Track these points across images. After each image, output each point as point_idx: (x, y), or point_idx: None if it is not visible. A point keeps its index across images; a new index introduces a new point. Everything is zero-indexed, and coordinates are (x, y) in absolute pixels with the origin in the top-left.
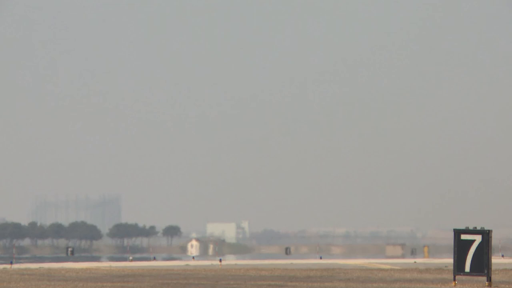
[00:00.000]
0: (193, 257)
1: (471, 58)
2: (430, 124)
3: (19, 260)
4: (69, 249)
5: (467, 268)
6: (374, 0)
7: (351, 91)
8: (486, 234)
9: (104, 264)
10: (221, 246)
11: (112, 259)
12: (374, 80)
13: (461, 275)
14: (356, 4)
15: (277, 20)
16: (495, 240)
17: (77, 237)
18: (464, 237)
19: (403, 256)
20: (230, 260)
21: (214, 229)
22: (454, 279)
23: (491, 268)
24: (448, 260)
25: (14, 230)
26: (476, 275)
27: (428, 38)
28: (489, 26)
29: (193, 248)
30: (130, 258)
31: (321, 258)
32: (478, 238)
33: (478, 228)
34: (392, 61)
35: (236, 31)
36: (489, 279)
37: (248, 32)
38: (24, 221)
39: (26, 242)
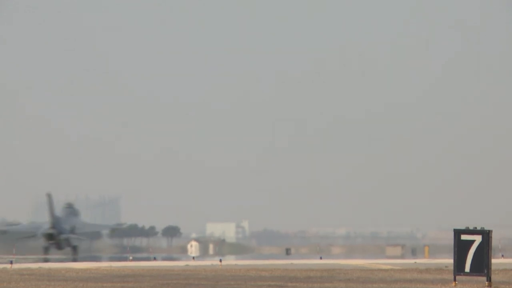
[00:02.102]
0: (193, 257)
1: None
2: (429, 124)
3: (19, 260)
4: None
5: (467, 268)
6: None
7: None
8: (486, 234)
9: (104, 264)
10: (221, 246)
11: (112, 259)
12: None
13: (461, 275)
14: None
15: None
16: (495, 240)
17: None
18: (464, 237)
19: (403, 257)
20: (230, 260)
21: (214, 229)
22: (454, 279)
23: (491, 268)
24: (448, 260)
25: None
26: (476, 275)
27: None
28: None
29: (193, 248)
30: (130, 258)
31: (321, 258)
32: (478, 238)
33: (478, 228)
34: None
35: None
36: (489, 279)
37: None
38: (24, 221)
39: (26, 242)
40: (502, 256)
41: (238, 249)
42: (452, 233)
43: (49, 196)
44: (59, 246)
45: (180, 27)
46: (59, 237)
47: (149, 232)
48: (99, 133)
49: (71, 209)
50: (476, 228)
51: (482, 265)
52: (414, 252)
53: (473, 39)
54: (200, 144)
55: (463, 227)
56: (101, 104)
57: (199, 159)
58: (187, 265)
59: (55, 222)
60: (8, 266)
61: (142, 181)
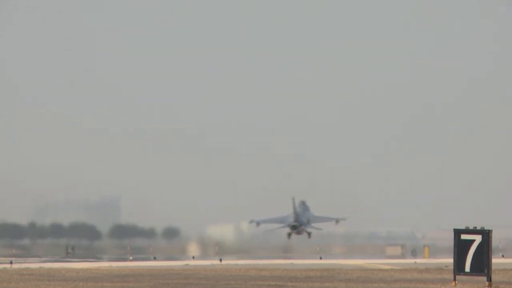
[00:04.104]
0: (193, 257)
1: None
2: (428, 124)
3: (19, 260)
4: (70, 247)
5: (467, 268)
6: None
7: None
8: (486, 234)
9: (104, 264)
10: (221, 247)
11: (112, 259)
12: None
13: (461, 275)
14: None
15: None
16: (495, 240)
17: (77, 238)
18: (464, 237)
19: (403, 257)
20: (230, 260)
21: (214, 229)
22: (454, 279)
23: (491, 268)
24: (448, 260)
25: (14, 230)
26: (476, 275)
27: None
28: None
29: (193, 248)
30: (130, 258)
31: (321, 258)
32: (478, 238)
33: (478, 228)
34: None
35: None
36: (490, 279)
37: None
38: (24, 221)
39: (26, 242)
40: (503, 256)
41: (238, 249)
42: (452, 233)
43: (293, 198)
44: (299, 233)
45: (181, 26)
46: (300, 228)
47: (149, 233)
48: (99, 133)
49: (304, 206)
50: (476, 228)
51: (482, 265)
52: (414, 252)
53: None
54: (199, 144)
55: (463, 227)
56: (101, 104)
57: (198, 160)
58: (187, 264)
59: (296, 216)
60: (8, 266)
61: (142, 182)
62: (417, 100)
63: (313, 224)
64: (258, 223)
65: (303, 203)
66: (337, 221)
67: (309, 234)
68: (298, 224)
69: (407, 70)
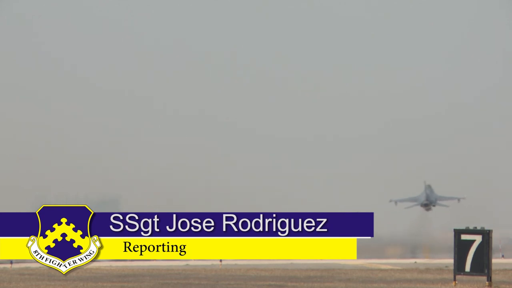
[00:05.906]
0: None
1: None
2: (428, 122)
3: (19, 260)
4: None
5: (468, 268)
6: None
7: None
8: (486, 234)
9: (104, 264)
10: None
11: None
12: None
13: (461, 275)
14: None
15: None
16: (495, 240)
17: None
18: (464, 237)
19: (403, 256)
20: (230, 260)
21: None
22: (455, 279)
23: (491, 268)
24: (448, 260)
25: None
26: (476, 275)
27: None
28: None
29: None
30: None
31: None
32: (478, 238)
33: (478, 228)
34: None
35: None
36: (490, 279)
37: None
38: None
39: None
40: (502, 256)
41: None
42: (452, 233)
43: (424, 182)
44: (428, 210)
45: (183, 26)
46: (430, 205)
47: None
48: (99, 133)
49: (430, 188)
50: (476, 228)
51: (482, 265)
52: (413, 252)
53: None
54: (198, 145)
55: (463, 227)
56: (102, 105)
57: (198, 160)
58: (187, 264)
59: (427, 196)
60: (8, 266)
61: (142, 181)
62: (417, 101)
63: (439, 202)
64: (396, 202)
65: (429, 186)
66: (458, 200)
67: (434, 205)
68: (429, 202)
69: (406, 71)
